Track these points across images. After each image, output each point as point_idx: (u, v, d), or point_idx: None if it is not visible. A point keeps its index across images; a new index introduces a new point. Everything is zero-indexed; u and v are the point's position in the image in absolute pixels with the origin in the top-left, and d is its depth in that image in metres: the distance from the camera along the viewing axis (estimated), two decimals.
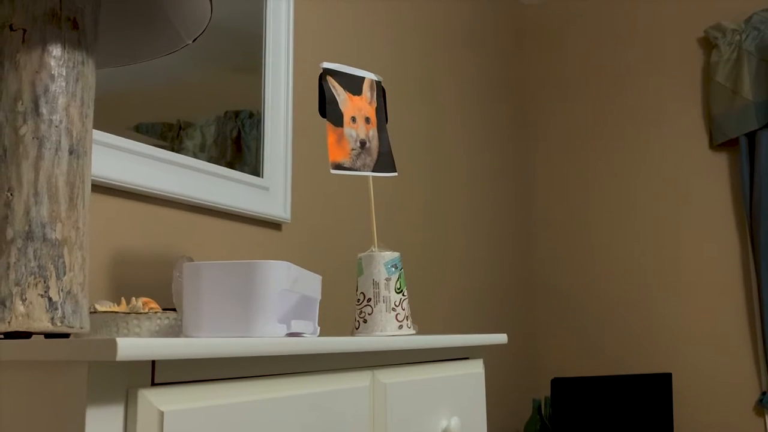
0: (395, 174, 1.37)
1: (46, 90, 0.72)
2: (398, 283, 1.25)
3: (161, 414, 0.61)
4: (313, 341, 0.82)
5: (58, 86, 0.73)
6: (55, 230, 0.71)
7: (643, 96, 2.89)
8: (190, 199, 1.34)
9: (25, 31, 0.72)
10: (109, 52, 0.92)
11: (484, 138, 2.68)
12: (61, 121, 0.73)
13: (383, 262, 1.25)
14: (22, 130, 0.71)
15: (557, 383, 2.38)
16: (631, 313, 2.81)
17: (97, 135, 1.17)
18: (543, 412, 2.55)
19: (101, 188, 1.20)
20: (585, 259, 2.93)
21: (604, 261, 2.88)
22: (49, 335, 0.71)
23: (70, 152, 0.73)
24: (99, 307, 0.92)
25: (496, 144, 2.78)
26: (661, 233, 2.79)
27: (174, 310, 1.09)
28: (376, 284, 1.23)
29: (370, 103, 1.33)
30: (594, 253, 2.91)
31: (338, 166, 1.25)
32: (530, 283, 2.99)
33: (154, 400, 0.61)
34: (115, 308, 0.94)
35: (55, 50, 0.73)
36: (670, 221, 2.78)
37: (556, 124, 3.05)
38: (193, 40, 0.90)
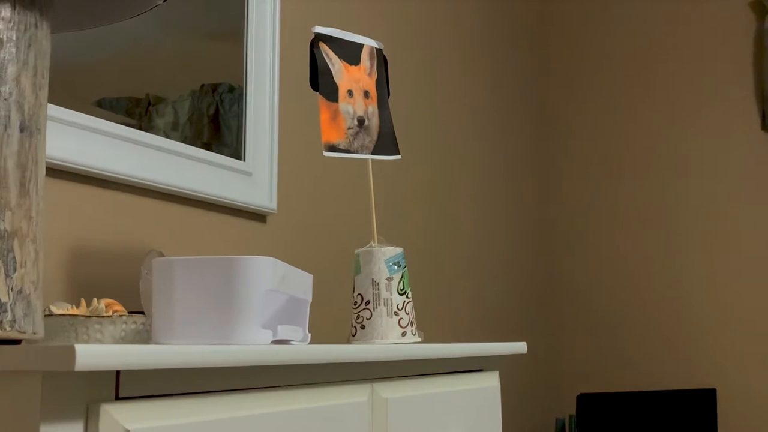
0: (398, 157, 1.36)
1: None
2: (401, 283, 1.25)
3: None
4: (303, 350, 0.82)
5: (7, 53, 0.72)
6: (3, 220, 0.70)
7: (683, 73, 2.88)
8: (160, 186, 1.34)
9: None
10: (67, 13, 0.92)
11: (499, 120, 2.68)
12: (10, 94, 0.72)
13: (384, 259, 1.24)
14: None
15: (584, 399, 2.38)
16: (668, 319, 2.81)
17: (53, 110, 1.17)
18: None
19: (58, 172, 1.19)
20: (615, 260, 2.93)
21: (637, 262, 2.88)
22: None
23: (21, 129, 0.73)
24: (55, 310, 0.92)
25: (513, 127, 2.78)
26: (703, 232, 2.79)
27: (142, 313, 1.09)
28: (375, 284, 1.23)
29: (369, 75, 1.32)
30: (625, 253, 2.91)
31: (332, 148, 1.24)
32: (553, 285, 2.99)
33: (118, 416, 0.61)
34: (74, 311, 0.93)
35: (4, 11, 0.73)
36: (713, 218, 2.78)
37: (582, 106, 3.04)
38: (164, 0, 0.89)
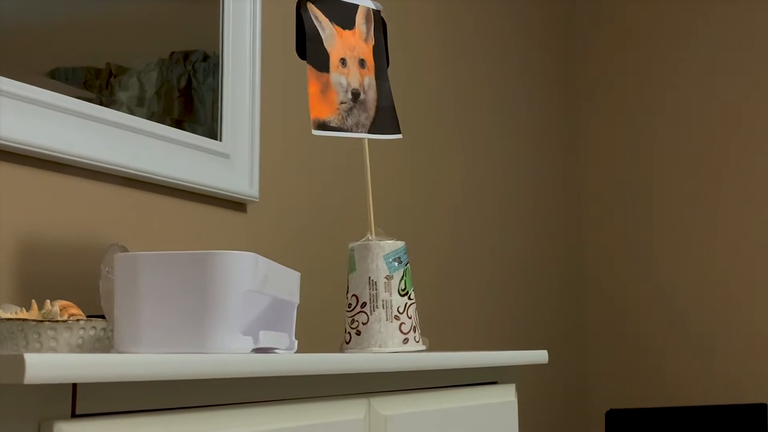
0: (399, 136, 1.36)
1: None
2: (403, 282, 1.25)
3: None
4: (289, 359, 0.82)
5: None
6: None
7: (728, 34, 2.88)
8: (123, 170, 1.34)
9: None
10: None
11: (526, 108, 2.68)
12: None
13: (383, 254, 1.24)
14: None
15: (614, 416, 2.39)
16: (710, 330, 2.82)
17: None
18: None
19: (3, 153, 1.19)
20: (649, 259, 2.93)
21: (675, 261, 2.89)
22: None
23: None
24: (1, 313, 0.92)
25: (537, 104, 2.78)
26: (752, 225, 2.79)
27: (102, 317, 1.09)
28: (373, 284, 1.23)
29: (365, 41, 1.32)
30: (661, 250, 2.91)
31: (323, 126, 1.24)
32: (579, 288, 3.00)
33: None
34: (24, 314, 0.94)
35: None
36: (759, 224, 2.78)
37: (611, 81, 3.04)
38: None
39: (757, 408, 2.48)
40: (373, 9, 1.35)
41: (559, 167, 2.93)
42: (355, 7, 1.32)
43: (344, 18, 1.30)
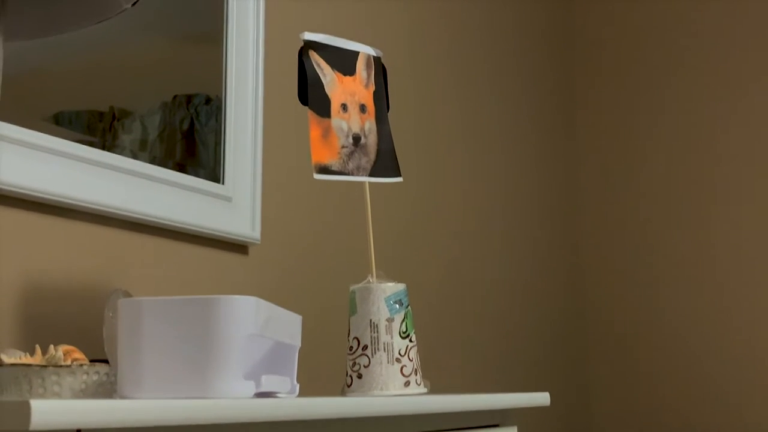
0: (400, 179, 1.38)
1: None
2: (404, 324, 1.25)
3: None
4: (291, 404, 0.82)
5: None
6: None
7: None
8: (126, 214, 1.34)
9: None
10: (22, 20, 0.93)
11: (525, 141, 2.69)
12: None
13: (384, 296, 1.25)
14: None
15: None
16: (720, 365, 2.80)
17: (2, 128, 1.18)
18: None
19: (7, 199, 1.20)
20: (654, 294, 2.92)
21: (682, 295, 2.88)
22: None
23: None
24: (5, 358, 0.93)
25: (533, 137, 2.79)
26: (756, 271, 2.79)
27: (106, 361, 1.10)
28: (374, 326, 1.24)
29: (366, 86, 1.34)
30: (667, 284, 2.91)
31: (324, 170, 1.26)
32: (582, 329, 2.99)
33: None
34: (28, 359, 0.94)
35: None
36: (764, 254, 2.78)
37: (611, 121, 3.06)
38: (133, 4, 0.91)
39: None
40: (373, 56, 1.37)
41: (563, 211, 2.93)
42: (356, 54, 1.34)
43: (345, 64, 1.32)
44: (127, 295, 1.15)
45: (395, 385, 1.22)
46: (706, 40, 2.95)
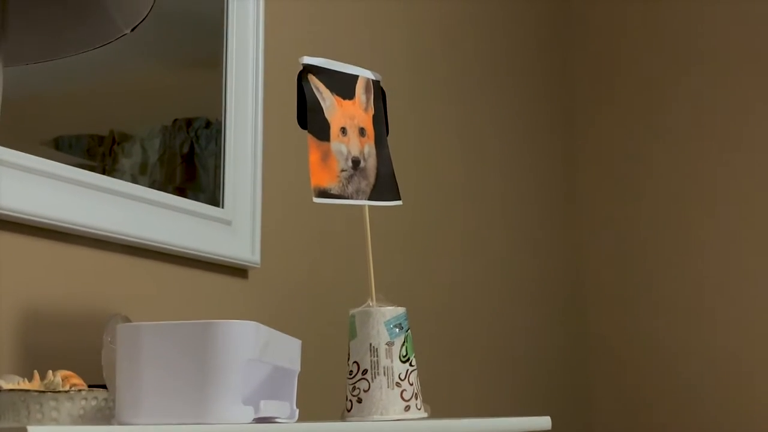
0: (400, 202, 1.38)
1: None
2: (404, 348, 1.25)
3: None
4: (290, 428, 0.82)
5: None
6: None
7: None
8: (125, 238, 1.35)
9: None
10: (22, 44, 0.94)
11: (524, 158, 2.70)
12: None
13: (384, 320, 1.25)
14: None
15: None
16: (723, 391, 2.79)
17: (1, 152, 1.18)
18: None
19: (6, 224, 1.21)
20: (657, 320, 2.91)
21: (687, 317, 2.87)
22: None
23: None
24: (3, 384, 0.93)
25: (533, 160, 2.80)
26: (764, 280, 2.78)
27: (104, 387, 1.09)
28: (374, 351, 1.24)
29: (365, 110, 1.34)
30: (672, 306, 2.90)
31: (323, 193, 1.26)
32: (586, 352, 2.98)
33: None
34: (25, 385, 0.94)
35: None
36: None
37: (611, 137, 3.06)
38: (132, 29, 0.91)
39: None
40: (372, 79, 1.37)
41: (565, 228, 2.93)
42: (355, 77, 1.35)
43: (344, 88, 1.32)
44: (126, 319, 1.15)
45: (395, 410, 1.22)
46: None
